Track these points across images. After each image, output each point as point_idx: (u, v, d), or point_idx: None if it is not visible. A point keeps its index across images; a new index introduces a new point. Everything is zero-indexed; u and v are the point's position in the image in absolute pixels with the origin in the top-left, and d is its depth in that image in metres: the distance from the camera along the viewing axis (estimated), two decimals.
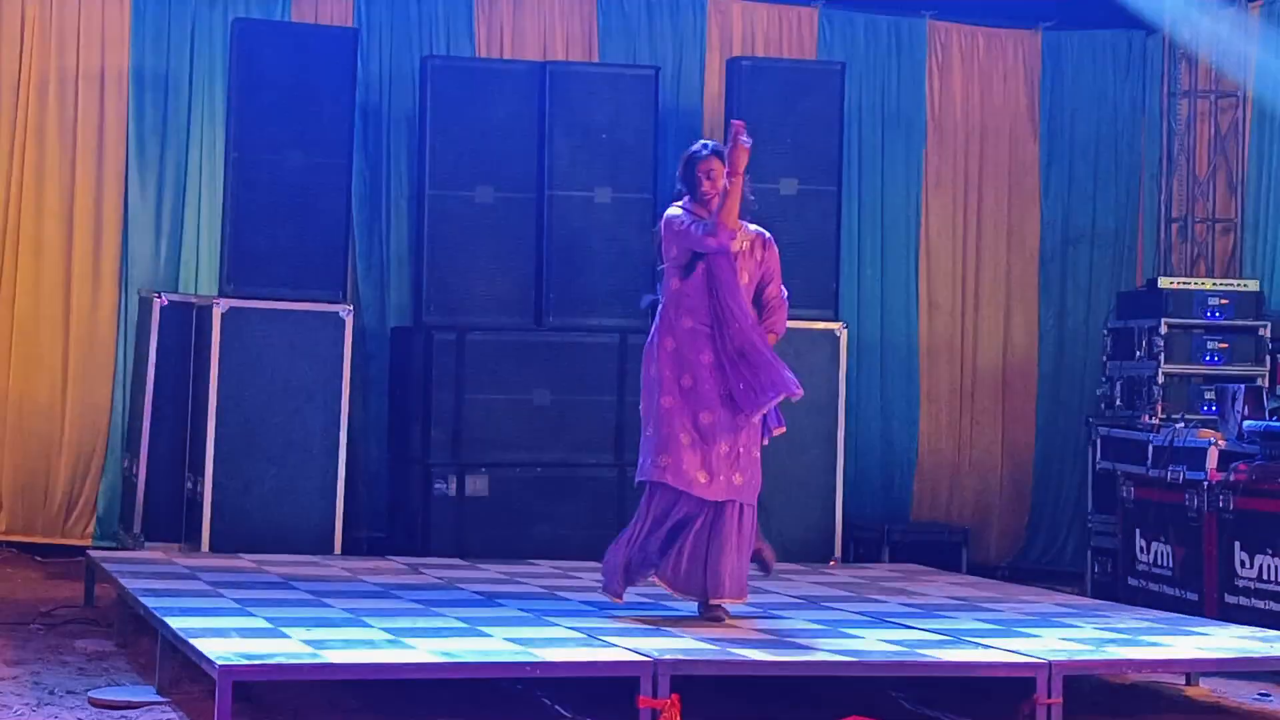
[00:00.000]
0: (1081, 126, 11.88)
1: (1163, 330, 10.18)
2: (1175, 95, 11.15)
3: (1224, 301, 10.26)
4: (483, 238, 10.17)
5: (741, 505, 7.30)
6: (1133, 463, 9.54)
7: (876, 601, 8.17)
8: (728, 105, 10.51)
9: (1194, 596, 8.59)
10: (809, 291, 10.27)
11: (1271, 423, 8.71)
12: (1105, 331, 10.75)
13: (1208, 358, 10.20)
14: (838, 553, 10.15)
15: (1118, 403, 10.46)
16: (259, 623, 6.76)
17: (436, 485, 9.87)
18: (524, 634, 6.71)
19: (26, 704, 6.32)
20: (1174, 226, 11.14)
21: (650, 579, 7.43)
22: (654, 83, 10.46)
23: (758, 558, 7.50)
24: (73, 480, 10.40)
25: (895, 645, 6.79)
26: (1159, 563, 8.93)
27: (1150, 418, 9.92)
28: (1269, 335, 10.22)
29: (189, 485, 9.72)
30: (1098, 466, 10.27)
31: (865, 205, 11.55)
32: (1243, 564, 8.28)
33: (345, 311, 9.74)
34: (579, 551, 9.70)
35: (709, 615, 7.25)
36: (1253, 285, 10.39)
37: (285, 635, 6.46)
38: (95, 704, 6.35)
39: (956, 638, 7.00)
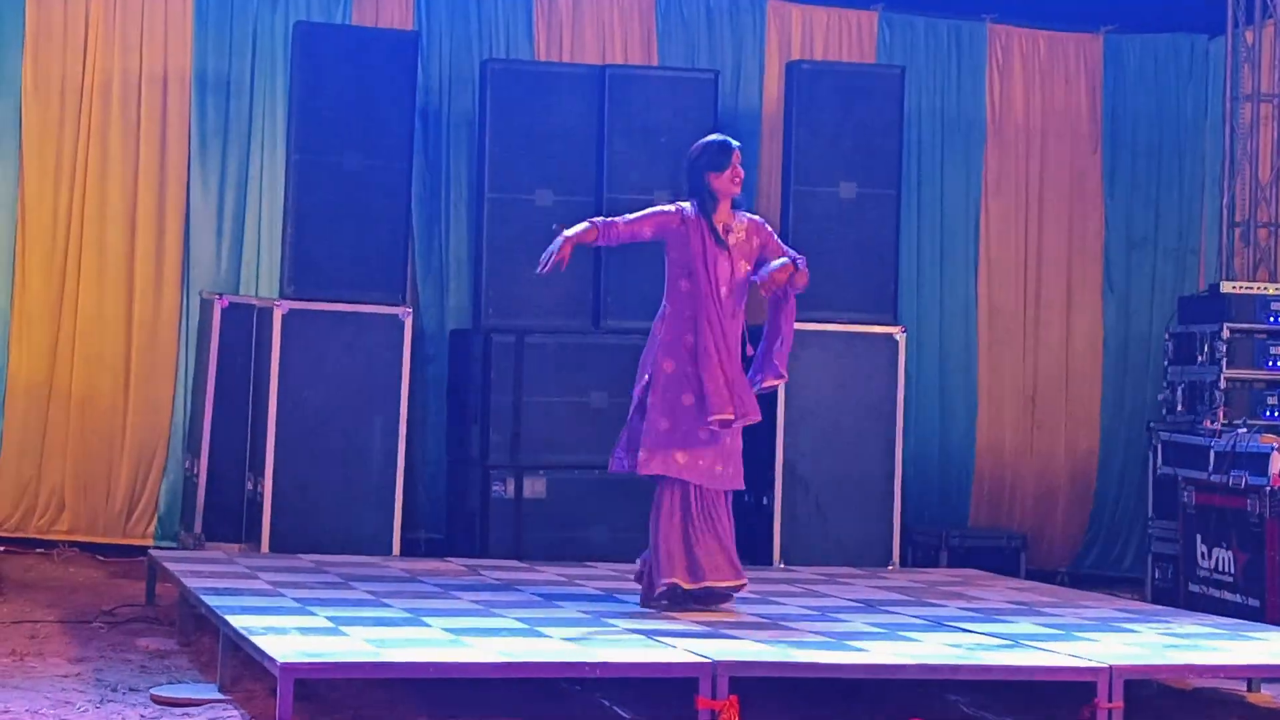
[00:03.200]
0: (1143, 130, 11.83)
1: (1225, 335, 10.11)
2: (1238, 99, 11.08)
3: None
4: (541, 241, 10.02)
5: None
6: (1194, 468, 9.48)
7: (935, 605, 8.14)
8: (787, 109, 10.50)
9: (1256, 603, 8.53)
10: (867, 295, 10.26)
11: None
12: (1167, 336, 10.68)
13: (1270, 363, 10.12)
14: (895, 557, 10.12)
15: (1179, 408, 10.40)
16: (320, 621, 6.79)
17: (494, 487, 9.89)
18: (583, 634, 6.72)
19: (90, 701, 6.37)
20: (1236, 231, 11.06)
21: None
22: (713, 86, 10.47)
23: None
24: (134, 480, 10.47)
25: (954, 648, 6.76)
26: (1220, 569, 8.87)
27: (1212, 423, 9.86)
28: None
29: (249, 486, 9.78)
30: (1158, 472, 10.21)
31: (925, 209, 11.52)
32: None
33: (404, 314, 9.78)
34: (636, 554, 9.69)
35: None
36: None
37: (345, 634, 6.49)
38: (157, 701, 6.39)
39: (1016, 642, 6.97)
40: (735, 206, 7.75)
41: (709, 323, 7.58)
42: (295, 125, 9.84)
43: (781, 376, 7.78)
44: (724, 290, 7.61)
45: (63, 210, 10.44)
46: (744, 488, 7.74)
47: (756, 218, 7.83)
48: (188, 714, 6.21)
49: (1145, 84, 11.87)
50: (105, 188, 10.48)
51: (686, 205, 7.72)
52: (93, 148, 10.49)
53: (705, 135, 10.20)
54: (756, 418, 7.67)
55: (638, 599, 7.83)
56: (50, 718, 6.02)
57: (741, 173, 7.71)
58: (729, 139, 7.76)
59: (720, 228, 7.66)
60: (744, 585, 7.64)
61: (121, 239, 10.50)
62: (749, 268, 7.69)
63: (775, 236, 7.82)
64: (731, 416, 7.53)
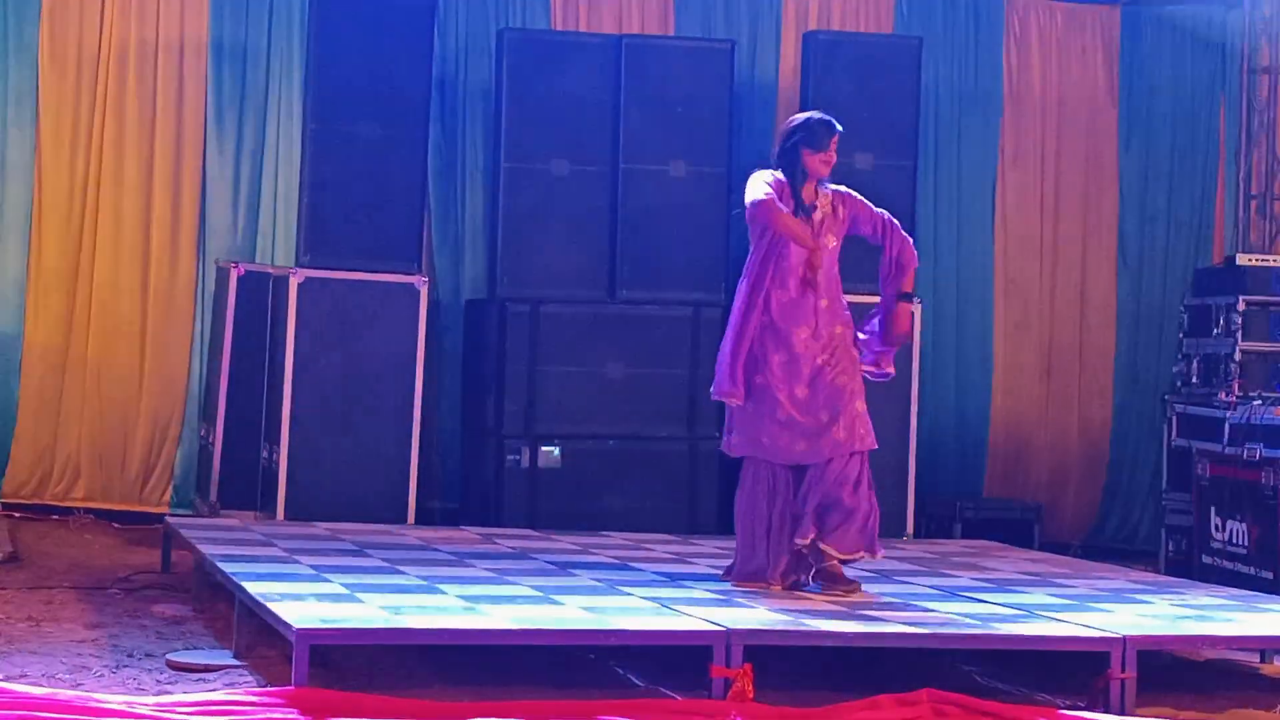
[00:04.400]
0: (1160, 103, 11.80)
1: (1240, 307, 10.11)
2: (1255, 71, 11.07)
3: None
4: (557, 211, 10.19)
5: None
6: (1208, 440, 9.48)
7: (949, 576, 8.16)
8: (803, 80, 10.48)
9: (1269, 575, 8.54)
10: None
11: None
12: (1182, 308, 10.68)
13: None
14: (909, 528, 10.14)
15: (1194, 380, 10.40)
16: (335, 588, 6.82)
17: (509, 457, 9.91)
18: (598, 603, 6.75)
19: (106, 665, 6.40)
20: (1253, 203, 11.06)
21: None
22: (729, 56, 10.45)
23: None
24: (150, 448, 10.50)
25: (968, 619, 6.78)
26: (1234, 541, 8.88)
27: (1227, 395, 9.86)
28: None
29: (265, 454, 9.80)
30: (1173, 444, 10.22)
31: (941, 181, 11.51)
32: None
33: (420, 283, 9.79)
34: (651, 524, 9.75)
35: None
36: None
37: (361, 601, 6.51)
38: (173, 666, 6.42)
39: (1030, 612, 6.99)
40: (820, 182, 7.54)
41: (763, 300, 7.41)
42: (312, 94, 9.84)
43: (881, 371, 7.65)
44: (802, 268, 7.39)
45: (79, 178, 10.46)
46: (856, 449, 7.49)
47: (842, 188, 7.59)
48: (203, 679, 6.24)
49: (1162, 56, 11.83)
50: (121, 155, 10.50)
51: (778, 174, 7.48)
52: (109, 115, 10.50)
53: (722, 106, 10.32)
54: (725, 399, 7.50)
55: (654, 570, 7.87)
56: (67, 682, 6.05)
57: (835, 158, 7.47)
58: (833, 120, 7.49)
59: (807, 204, 7.44)
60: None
61: (137, 207, 10.52)
62: (836, 242, 7.49)
63: (865, 204, 7.59)
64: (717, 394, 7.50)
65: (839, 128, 7.49)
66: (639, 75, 10.23)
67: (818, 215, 7.46)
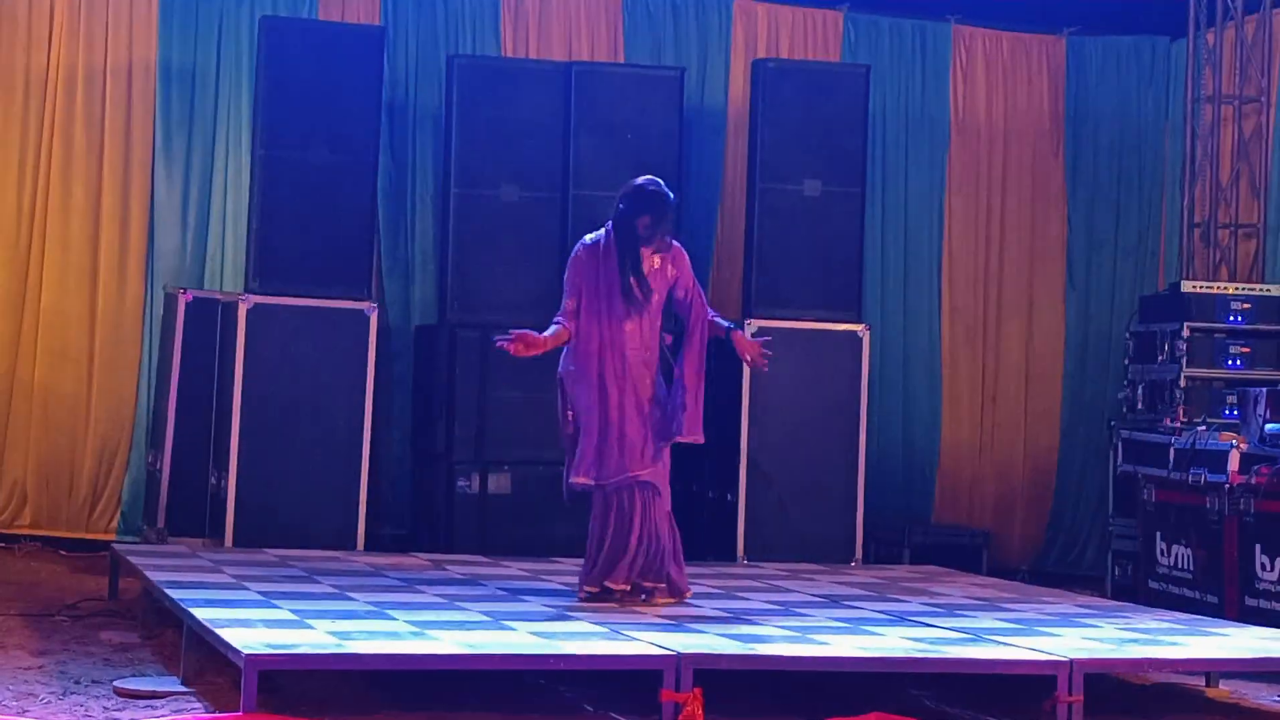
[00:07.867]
0: (1105, 131, 11.90)
1: (1185, 334, 10.18)
2: (1199, 100, 11.16)
3: (1246, 306, 10.27)
4: (507, 236, 10.21)
5: None
6: (1154, 465, 9.55)
7: (898, 601, 8.19)
8: (752, 106, 10.53)
9: (1214, 599, 8.60)
10: (832, 293, 10.29)
11: None
12: (1128, 335, 10.76)
13: (1230, 362, 10.20)
14: (858, 554, 10.16)
15: (1139, 406, 10.47)
16: (284, 614, 6.80)
17: (459, 482, 9.90)
18: (547, 628, 6.75)
19: (53, 693, 6.36)
20: (1196, 231, 11.15)
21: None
22: (679, 83, 10.50)
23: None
24: (97, 474, 10.45)
25: (917, 643, 6.81)
26: (1179, 565, 8.94)
27: (1172, 421, 9.93)
28: None
29: (213, 480, 9.76)
30: (1119, 469, 10.29)
31: (889, 208, 11.58)
32: (1263, 567, 8.28)
33: (370, 309, 9.78)
34: None
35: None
36: (1275, 290, 10.40)
37: (310, 626, 6.50)
38: (120, 694, 6.38)
39: (978, 636, 7.02)
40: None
41: (613, 372, 7.68)
42: (261, 119, 9.83)
43: (694, 438, 7.67)
44: (630, 325, 7.63)
45: (26, 202, 10.42)
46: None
47: (675, 243, 7.77)
48: (151, 706, 6.21)
49: (1107, 85, 11.94)
50: (69, 180, 10.46)
51: (597, 235, 7.73)
52: (56, 140, 10.46)
53: (672, 132, 10.34)
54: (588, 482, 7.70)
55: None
56: (13, 710, 6.01)
57: (670, 230, 7.69)
58: (668, 194, 7.66)
59: (642, 258, 7.63)
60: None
61: (85, 232, 10.48)
62: (659, 296, 7.66)
63: (689, 268, 7.75)
64: (590, 482, 7.68)
65: (673, 199, 7.70)
66: (589, 102, 10.26)
67: (647, 267, 7.63)
